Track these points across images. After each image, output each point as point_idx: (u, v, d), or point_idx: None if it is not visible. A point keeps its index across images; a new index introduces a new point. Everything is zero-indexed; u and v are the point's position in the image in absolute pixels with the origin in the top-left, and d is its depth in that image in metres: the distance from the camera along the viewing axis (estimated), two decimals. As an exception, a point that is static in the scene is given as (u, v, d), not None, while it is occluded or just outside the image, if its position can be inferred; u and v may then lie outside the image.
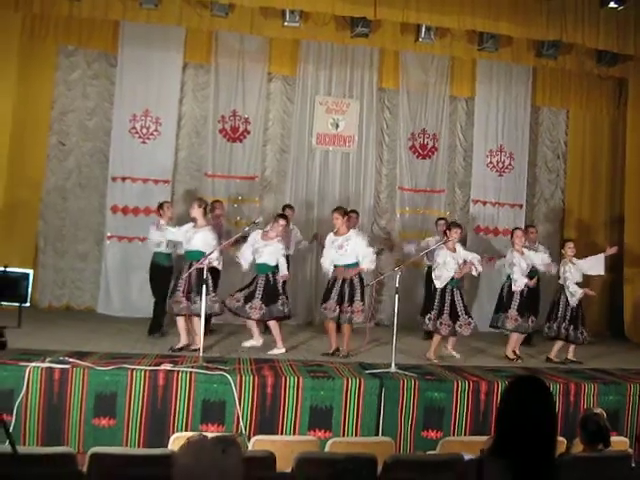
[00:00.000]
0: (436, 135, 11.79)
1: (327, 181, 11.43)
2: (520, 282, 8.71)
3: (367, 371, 7.06)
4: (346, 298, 8.29)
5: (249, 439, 4.94)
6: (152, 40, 10.67)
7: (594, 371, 8.01)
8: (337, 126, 11.44)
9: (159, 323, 8.88)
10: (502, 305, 8.93)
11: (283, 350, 8.25)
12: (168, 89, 10.93)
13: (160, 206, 8.78)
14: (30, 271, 4.65)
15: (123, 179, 10.74)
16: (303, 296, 11.17)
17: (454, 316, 8.45)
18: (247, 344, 8.40)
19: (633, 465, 4.40)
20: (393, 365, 7.12)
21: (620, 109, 12.12)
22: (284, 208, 9.93)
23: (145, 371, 6.34)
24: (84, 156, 10.98)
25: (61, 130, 10.88)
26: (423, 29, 10.39)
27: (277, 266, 8.44)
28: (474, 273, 8.75)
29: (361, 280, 8.42)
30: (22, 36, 10.32)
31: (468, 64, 11.75)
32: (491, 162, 11.90)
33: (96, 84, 11.01)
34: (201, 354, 6.87)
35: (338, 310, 8.27)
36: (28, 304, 4.56)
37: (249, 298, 8.25)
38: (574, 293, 8.68)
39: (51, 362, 6.27)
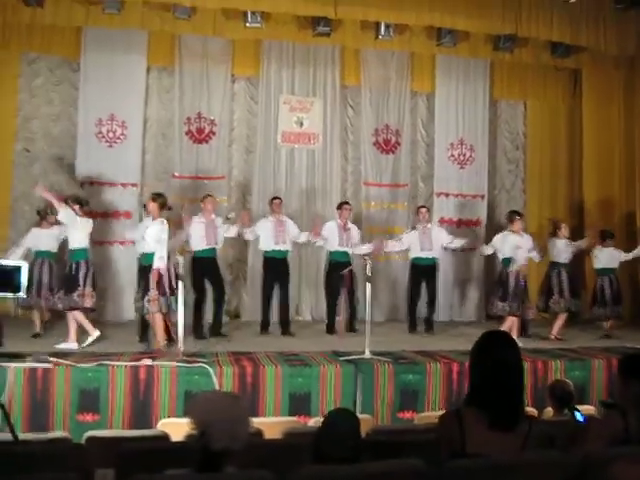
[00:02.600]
0: (399, 130, 12.00)
1: (293, 179, 11.59)
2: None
3: (342, 358, 7.26)
4: (142, 287, 8.00)
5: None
6: (115, 44, 10.73)
7: (560, 350, 8.31)
8: (301, 124, 11.62)
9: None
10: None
11: (73, 346, 7.69)
12: (133, 93, 11.00)
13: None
14: (24, 263, 4.79)
15: (91, 183, 10.79)
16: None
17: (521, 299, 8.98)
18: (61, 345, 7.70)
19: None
20: (367, 351, 7.34)
21: (576, 99, 12.44)
22: (272, 200, 9.98)
23: (126, 366, 6.47)
24: (50, 162, 10.99)
25: (26, 137, 10.90)
26: (382, 26, 10.61)
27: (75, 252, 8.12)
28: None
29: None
30: (-17, 44, 10.37)
31: (427, 59, 12.01)
32: (452, 155, 12.15)
33: (59, 90, 11.05)
34: (181, 348, 7.00)
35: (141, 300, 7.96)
36: (23, 294, 4.67)
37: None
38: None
39: (33, 362, 6.38)
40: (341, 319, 9.75)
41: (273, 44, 11.38)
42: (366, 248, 9.91)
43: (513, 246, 9.13)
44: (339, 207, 10.19)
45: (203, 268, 9.22)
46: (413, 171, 12.23)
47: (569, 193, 12.57)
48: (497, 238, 9.50)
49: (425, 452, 3.06)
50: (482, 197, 12.23)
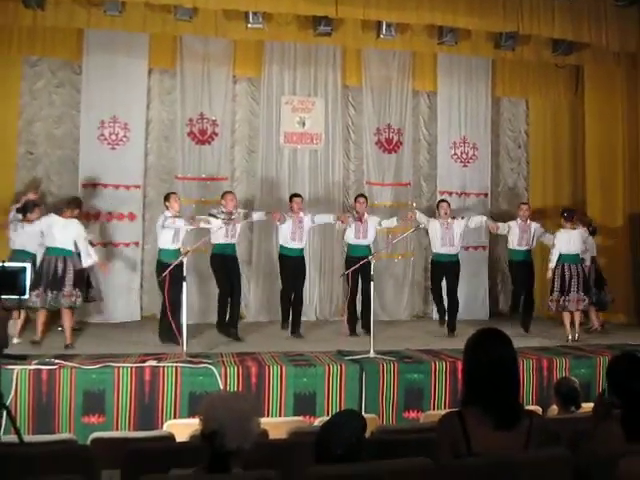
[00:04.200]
0: (401, 130, 11.99)
1: (296, 179, 11.56)
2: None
3: (346, 357, 7.26)
4: (57, 282, 8.00)
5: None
6: (116, 47, 10.73)
7: (565, 347, 8.31)
8: (304, 124, 11.61)
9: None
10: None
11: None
12: (135, 95, 10.99)
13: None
14: (28, 265, 4.81)
15: (94, 185, 10.77)
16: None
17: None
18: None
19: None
20: (372, 350, 7.34)
21: (578, 96, 12.43)
22: (291, 197, 9.96)
23: (131, 368, 6.48)
24: (53, 164, 10.99)
25: (29, 140, 10.88)
26: (384, 25, 10.54)
27: None
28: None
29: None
30: (-15, 48, 10.37)
31: (429, 58, 12.01)
32: (455, 153, 12.15)
33: (62, 92, 11.04)
34: (184, 349, 7.00)
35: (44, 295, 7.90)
36: (27, 296, 4.68)
37: None
38: None
39: (38, 364, 6.39)
40: (343, 319, 9.80)
41: (275, 45, 11.36)
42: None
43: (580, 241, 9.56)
44: (355, 200, 10.24)
45: (223, 264, 9.21)
46: (415, 170, 12.23)
47: (572, 190, 12.53)
48: (559, 237, 9.54)
49: (432, 451, 3.05)
50: (485, 195, 12.24)
